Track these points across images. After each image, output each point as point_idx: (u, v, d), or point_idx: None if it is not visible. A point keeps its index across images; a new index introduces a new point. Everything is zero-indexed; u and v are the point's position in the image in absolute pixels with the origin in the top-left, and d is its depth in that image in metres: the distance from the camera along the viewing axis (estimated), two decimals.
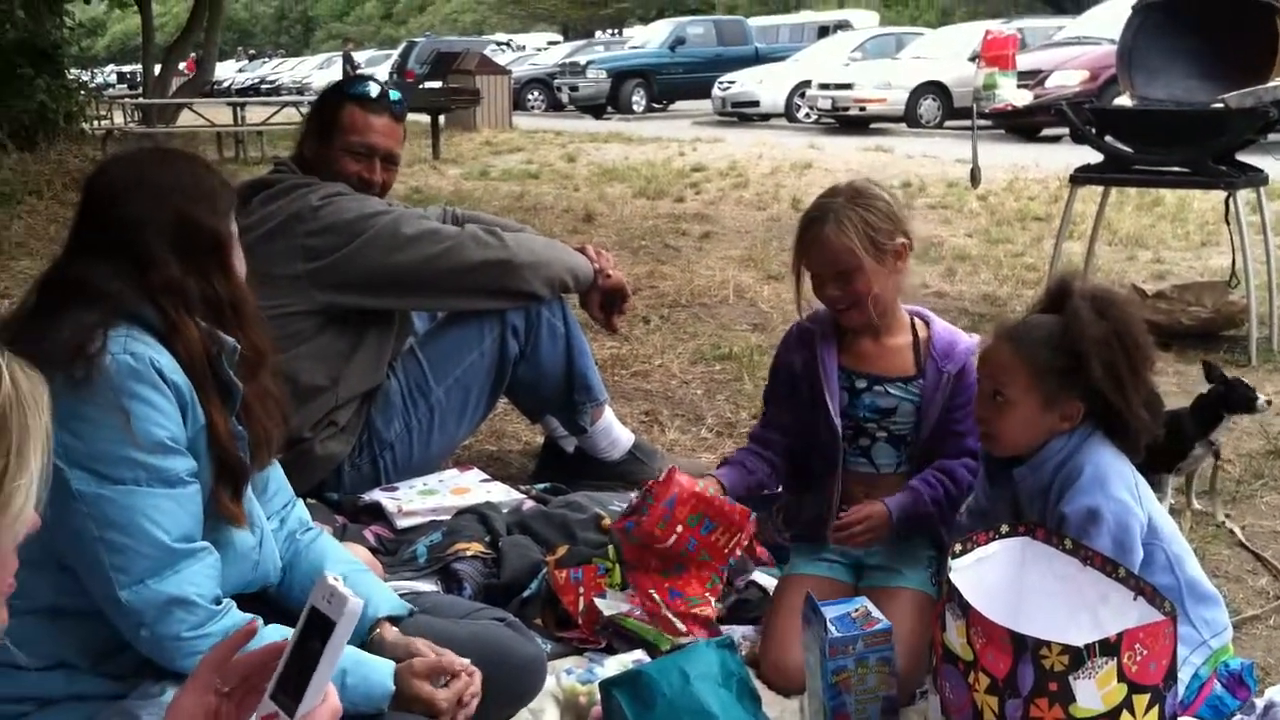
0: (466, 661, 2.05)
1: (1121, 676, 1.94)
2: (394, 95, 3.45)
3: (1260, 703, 2.37)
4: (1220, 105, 5.30)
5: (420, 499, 3.29)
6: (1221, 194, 5.49)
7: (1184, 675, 2.27)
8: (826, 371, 2.76)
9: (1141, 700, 1.96)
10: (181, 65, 22.95)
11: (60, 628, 1.89)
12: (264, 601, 2.14)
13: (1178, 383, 4.93)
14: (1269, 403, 3.38)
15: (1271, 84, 5.21)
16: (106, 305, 1.90)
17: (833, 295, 2.72)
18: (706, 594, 2.72)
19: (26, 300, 2.00)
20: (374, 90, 3.41)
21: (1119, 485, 2.36)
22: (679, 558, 2.71)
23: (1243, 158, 5.54)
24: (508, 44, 38.71)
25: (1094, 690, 1.94)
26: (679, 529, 2.65)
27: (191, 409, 1.92)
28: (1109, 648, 1.93)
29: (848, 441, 2.78)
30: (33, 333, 1.86)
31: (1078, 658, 1.93)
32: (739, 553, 2.77)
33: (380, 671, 1.98)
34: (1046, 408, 2.41)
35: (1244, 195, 5.44)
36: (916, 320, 2.83)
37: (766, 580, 2.96)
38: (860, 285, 2.67)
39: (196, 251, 1.98)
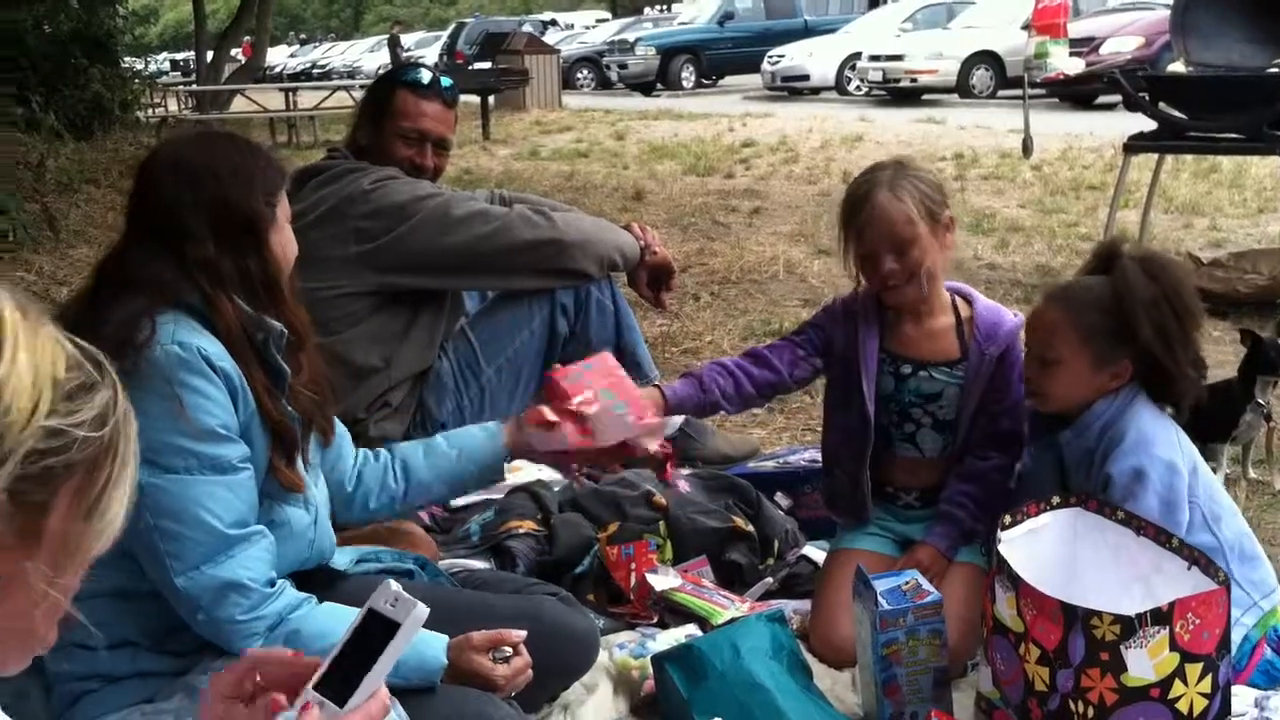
0: (523, 633, 2.07)
1: (1174, 646, 1.94)
2: (445, 82, 3.47)
3: None
4: (1276, 70, 5.23)
5: None
6: (1278, 160, 5.42)
7: (1235, 636, 2.26)
8: (866, 358, 2.70)
9: (1194, 669, 1.96)
10: (236, 50, 23.13)
11: (125, 609, 1.94)
12: (320, 582, 2.17)
13: (1235, 352, 4.86)
14: None
15: None
16: (152, 292, 1.94)
17: (889, 270, 2.60)
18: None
19: (84, 287, 2.04)
20: (426, 77, 3.43)
21: (1164, 445, 2.37)
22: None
23: None
24: (555, 22, 38.71)
25: (1146, 659, 1.94)
26: (587, 393, 2.52)
27: (242, 394, 1.95)
28: (1161, 617, 1.93)
29: (894, 426, 2.76)
30: (87, 322, 1.87)
31: (1129, 627, 1.93)
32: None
33: (433, 646, 2.00)
34: (1096, 367, 2.42)
35: None
36: (958, 299, 2.75)
37: (817, 554, 2.97)
38: (916, 256, 2.58)
39: (231, 230, 2.01)
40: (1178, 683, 1.95)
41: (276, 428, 2.01)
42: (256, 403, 1.98)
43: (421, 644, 2.00)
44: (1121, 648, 1.94)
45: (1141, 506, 2.28)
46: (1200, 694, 1.97)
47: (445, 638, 2.03)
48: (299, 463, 2.08)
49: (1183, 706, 1.96)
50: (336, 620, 1.99)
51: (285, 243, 2.12)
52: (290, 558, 2.08)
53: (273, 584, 1.97)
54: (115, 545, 1.78)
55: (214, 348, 1.93)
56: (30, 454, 0.95)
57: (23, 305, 1.00)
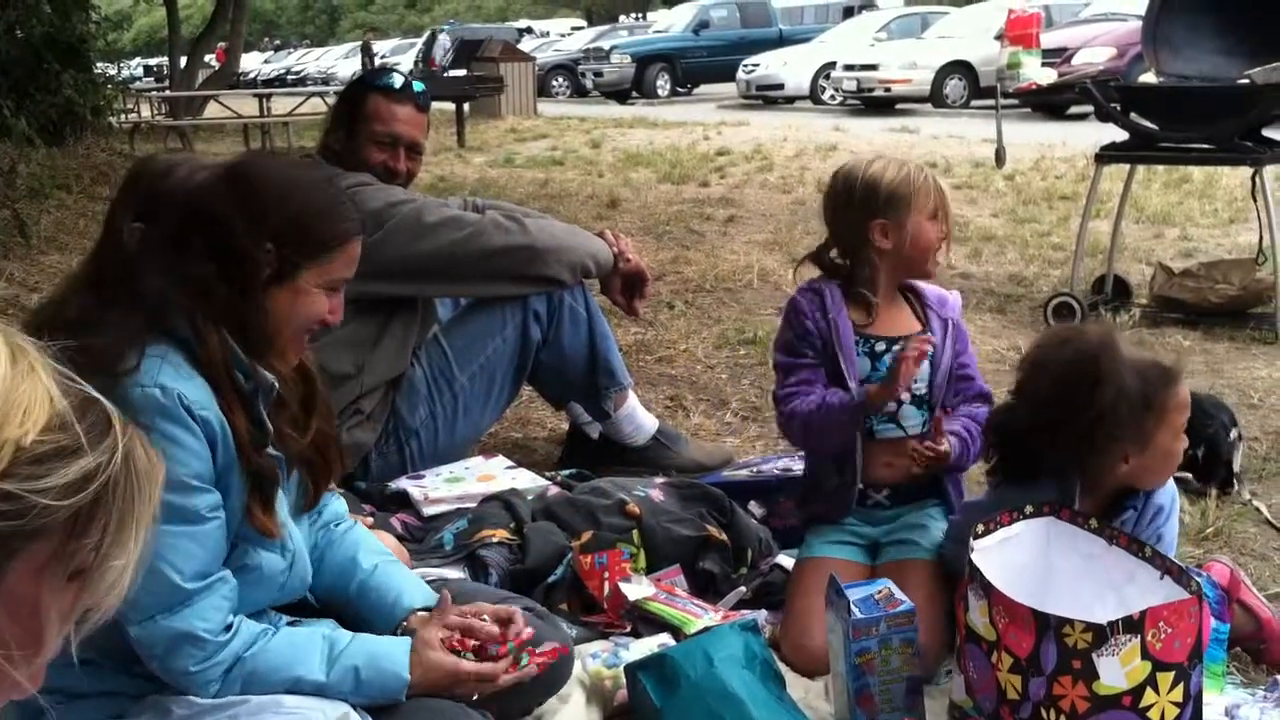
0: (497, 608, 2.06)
1: (1145, 654, 1.94)
2: (418, 86, 3.48)
3: None
4: (1246, 81, 5.27)
5: (446, 486, 3.30)
6: (1248, 170, 5.45)
7: None
8: (843, 339, 2.78)
9: (1166, 678, 1.96)
10: (210, 57, 23.03)
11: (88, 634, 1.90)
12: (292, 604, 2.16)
13: (1205, 361, 4.91)
14: None
15: None
16: (147, 313, 1.88)
17: (941, 233, 2.87)
18: None
19: (67, 288, 2.00)
20: (398, 81, 3.44)
21: None
22: None
23: (1270, 133, 5.49)
24: (530, 30, 38.72)
25: (1117, 667, 1.95)
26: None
27: (222, 440, 1.89)
28: (1132, 625, 1.94)
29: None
30: (74, 329, 1.70)
31: (1101, 635, 1.93)
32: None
33: (396, 661, 1.99)
34: None
35: (1271, 171, 5.40)
36: None
37: (790, 563, 2.96)
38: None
39: (228, 262, 1.92)
40: (1149, 691, 1.95)
41: (249, 464, 1.94)
42: (237, 448, 1.92)
43: (382, 658, 1.98)
44: (1093, 656, 1.94)
45: (1171, 523, 2.45)
46: (1172, 703, 1.97)
47: (407, 644, 2.02)
48: (276, 507, 2.00)
49: (1154, 715, 1.96)
50: (292, 653, 1.96)
51: (298, 305, 2.00)
52: (254, 600, 2.03)
53: (229, 628, 1.92)
54: None
55: (196, 394, 1.87)
56: None
57: (19, 349, 0.94)
